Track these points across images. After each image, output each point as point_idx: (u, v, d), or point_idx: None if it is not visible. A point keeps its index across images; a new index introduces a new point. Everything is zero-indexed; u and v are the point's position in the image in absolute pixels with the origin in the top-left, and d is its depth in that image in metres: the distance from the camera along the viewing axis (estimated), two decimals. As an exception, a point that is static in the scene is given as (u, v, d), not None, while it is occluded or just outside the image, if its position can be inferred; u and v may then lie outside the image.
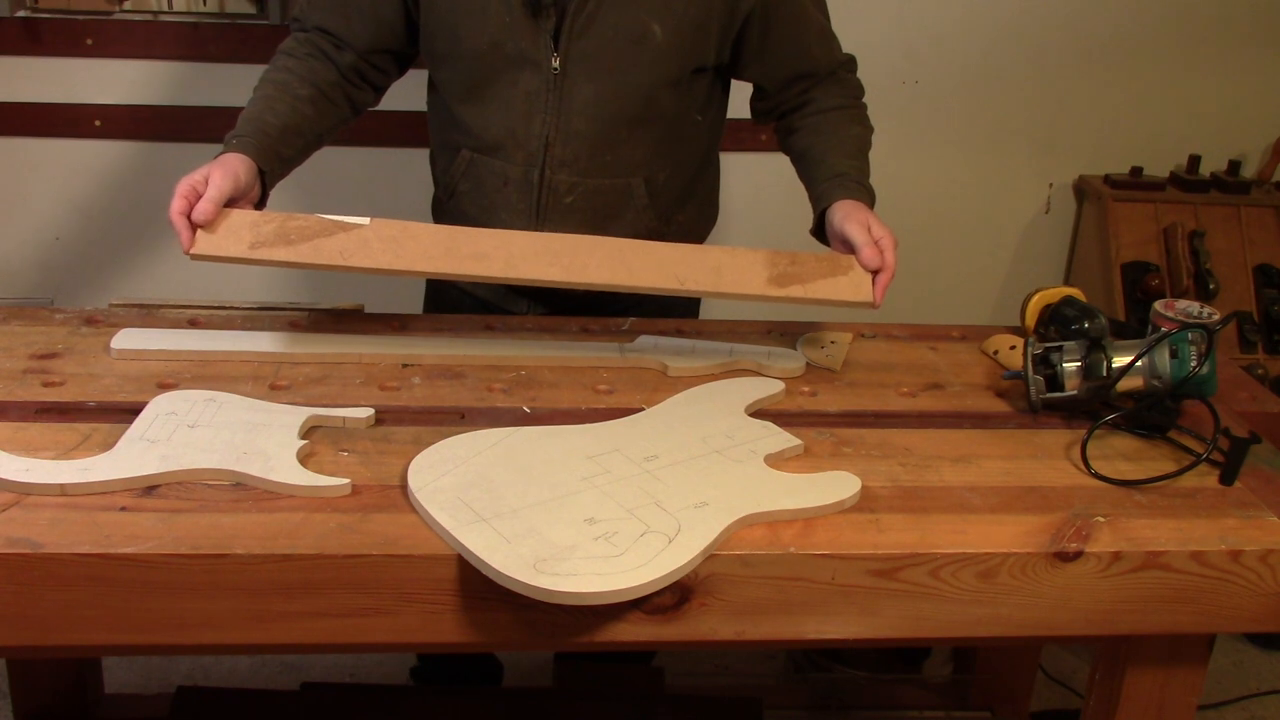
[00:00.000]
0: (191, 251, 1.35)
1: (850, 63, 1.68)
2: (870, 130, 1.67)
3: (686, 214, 1.71)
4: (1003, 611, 1.14)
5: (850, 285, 1.42)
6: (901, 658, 2.18)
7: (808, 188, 1.61)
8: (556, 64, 1.52)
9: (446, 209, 1.71)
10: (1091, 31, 2.69)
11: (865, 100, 1.69)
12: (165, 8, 2.42)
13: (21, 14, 2.40)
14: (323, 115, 1.56)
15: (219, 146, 1.46)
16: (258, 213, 1.41)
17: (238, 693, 1.92)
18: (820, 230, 1.56)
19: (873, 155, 2.45)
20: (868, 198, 1.55)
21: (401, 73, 1.67)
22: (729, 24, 1.56)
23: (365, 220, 1.41)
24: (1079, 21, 2.67)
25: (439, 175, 1.71)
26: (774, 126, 1.72)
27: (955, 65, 2.68)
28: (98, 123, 2.50)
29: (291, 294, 2.54)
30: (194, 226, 1.35)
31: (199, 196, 1.36)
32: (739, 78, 1.68)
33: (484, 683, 2.09)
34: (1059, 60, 2.71)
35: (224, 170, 1.39)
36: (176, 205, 1.35)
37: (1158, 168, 2.78)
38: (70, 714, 1.82)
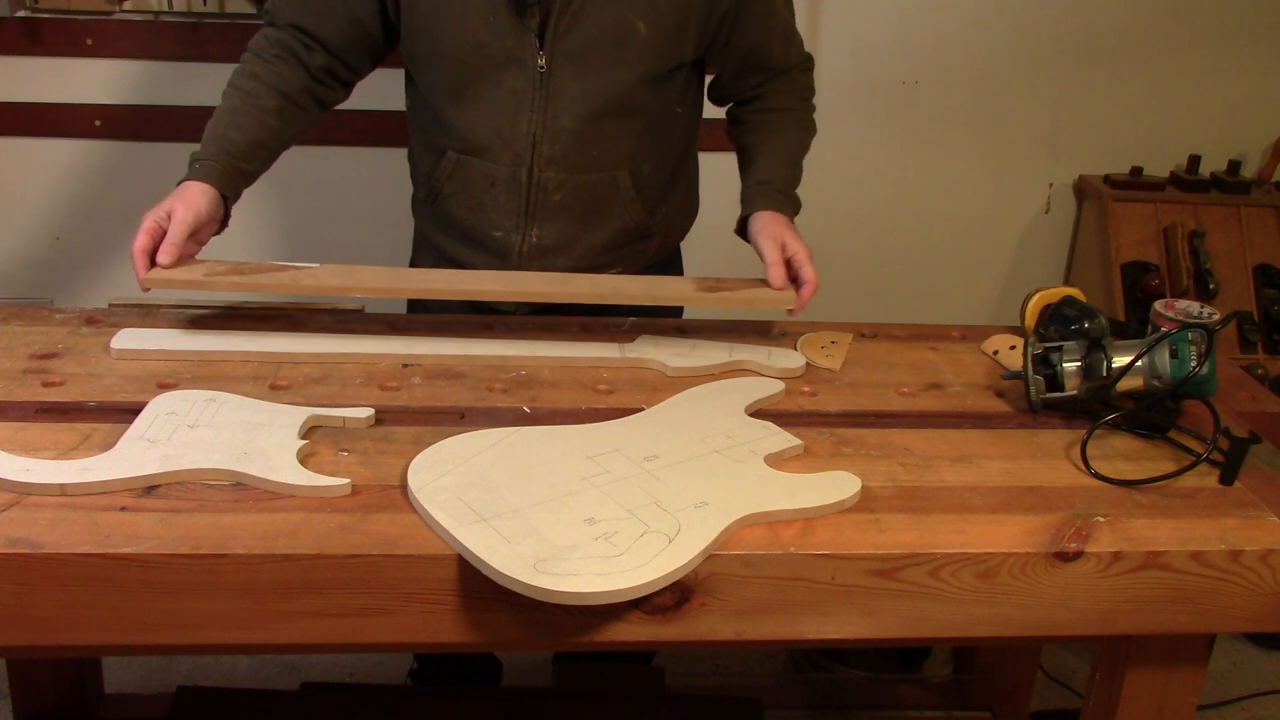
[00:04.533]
0: (145, 277, 1.41)
1: (806, 62, 1.72)
2: (810, 133, 1.73)
3: (670, 205, 1.73)
4: (1003, 611, 1.14)
5: (774, 295, 1.52)
6: (901, 658, 2.18)
7: (742, 184, 1.67)
8: (542, 62, 1.52)
9: (430, 212, 1.70)
10: (1091, 32, 2.69)
11: (814, 101, 1.74)
12: (165, 8, 2.42)
13: (21, 14, 2.40)
14: (289, 124, 1.58)
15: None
16: (215, 261, 1.48)
17: (238, 693, 1.92)
18: (744, 231, 1.63)
19: (873, 155, 2.45)
20: (789, 207, 1.62)
21: (373, 68, 1.67)
22: (707, 20, 1.57)
23: (315, 265, 1.49)
24: (1079, 22, 2.67)
25: (422, 177, 1.71)
26: (726, 112, 1.76)
27: (956, 65, 2.68)
28: (98, 123, 2.51)
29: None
30: (153, 264, 1.42)
31: (163, 233, 1.43)
32: (700, 65, 1.70)
33: (483, 683, 2.09)
34: (1059, 60, 2.71)
35: (186, 205, 1.44)
36: (140, 241, 1.42)
37: (1158, 168, 2.78)
38: (70, 714, 1.82)
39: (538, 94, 1.54)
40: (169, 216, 1.43)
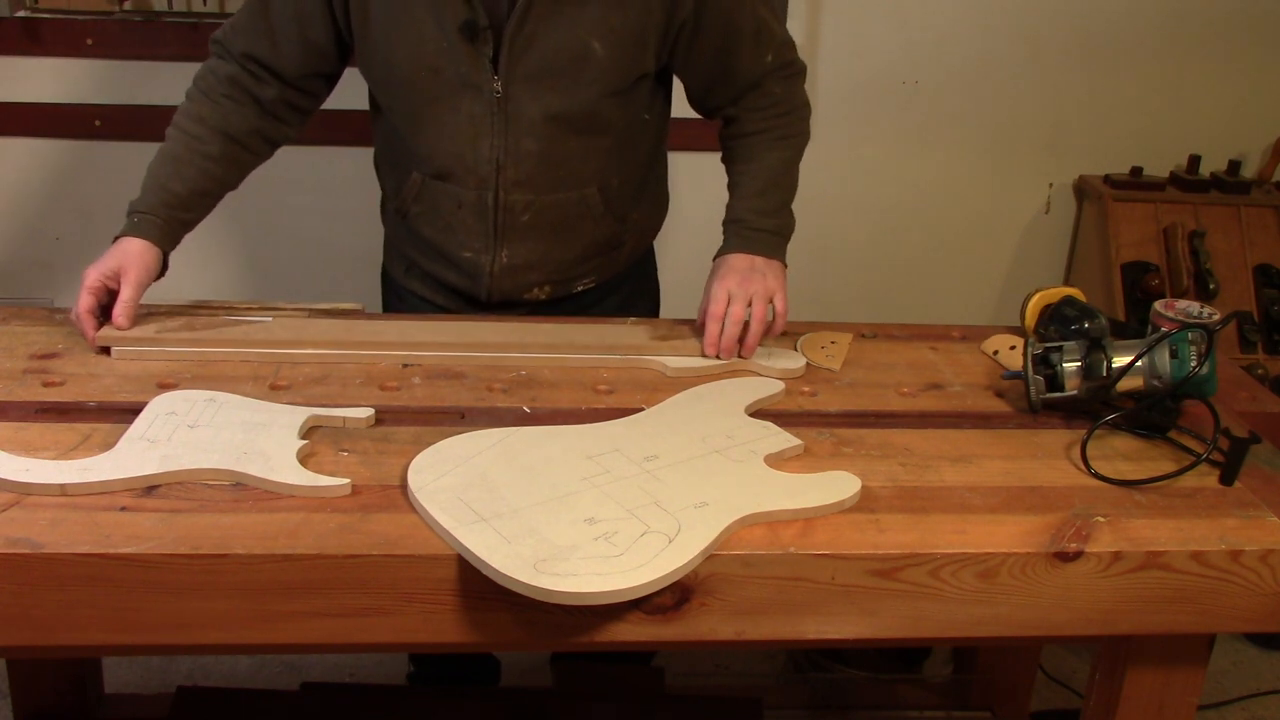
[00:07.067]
0: (98, 335, 1.41)
1: (785, 69, 1.61)
2: (796, 145, 1.63)
3: (640, 211, 1.71)
4: (1003, 611, 1.14)
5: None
6: (901, 658, 2.18)
7: None
8: (498, 87, 1.49)
9: (401, 226, 1.68)
10: (1091, 32, 2.69)
11: (800, 110, 1.63)
12: (165, 8, 2.42)
13: (21, 14, 2.40)
14: (233, 169, 1.56)
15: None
16: (166, 315, 1.49)
17: (238, 693, 1.92)
18: None
19: (873, 155, 2.43)
20: (761, 241, 1.56)
21: (329, 92, 1.63)
22: (666, 31, 1.53)
23: (268, 318, 1.50)
24: (1079, 22, 2.67)
25: (390, 194, 1.69)
26: (717, 133, 1.69)
27: (955, 65, 2.68)
28: (98, 123, 2.51)
29: (291, 294, 2.54)
30: (100, 325, 1.42)
31: (108, 292, 1.43)
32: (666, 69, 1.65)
33: (482, 683, 2.09)
34: (1059, 60, 2.71)
35: (138, 268, 1.44)
36: (85, 302, 1.41)
37: (1158, 168, 2.78)
38: (70, 714, 1.82)
39: (497, 118, 1.51)
40: (117, 278, 1.43)
